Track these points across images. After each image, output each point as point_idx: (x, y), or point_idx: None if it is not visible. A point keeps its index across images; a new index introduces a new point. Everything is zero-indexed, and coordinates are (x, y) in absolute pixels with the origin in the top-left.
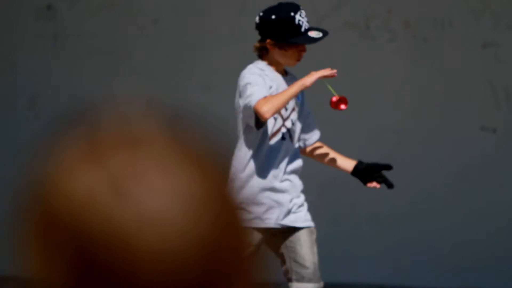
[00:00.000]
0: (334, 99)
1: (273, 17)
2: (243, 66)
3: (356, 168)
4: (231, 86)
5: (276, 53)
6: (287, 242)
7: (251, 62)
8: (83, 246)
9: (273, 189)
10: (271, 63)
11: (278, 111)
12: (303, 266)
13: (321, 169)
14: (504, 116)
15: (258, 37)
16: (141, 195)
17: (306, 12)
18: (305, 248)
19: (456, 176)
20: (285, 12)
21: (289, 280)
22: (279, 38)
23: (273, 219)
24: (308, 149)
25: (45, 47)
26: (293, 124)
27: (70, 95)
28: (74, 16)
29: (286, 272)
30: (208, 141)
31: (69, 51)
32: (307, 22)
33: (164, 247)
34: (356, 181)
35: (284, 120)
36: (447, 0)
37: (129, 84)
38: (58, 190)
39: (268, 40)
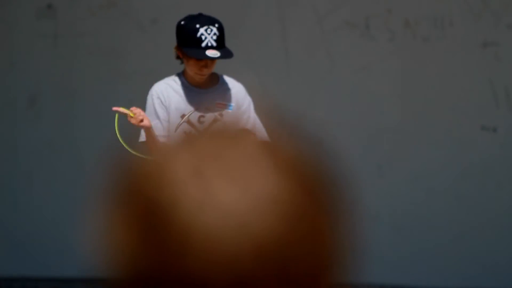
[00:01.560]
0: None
1: (182, 23)
2: (243, 66)
3: None
4: None
5: (185, 63)
6: None
7: (251, 61)
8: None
9: None
10: (187, 72)
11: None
12: None
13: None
14: (505, 115)
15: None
16: (224, 188)
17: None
18: None
19: (456, 175)
20: (192, 22)
21: None
22: (180, 44)
23: None
24: None
25: (45, 47)
26: None
27: (70, 94)
28: (74, 16)
29: None
30: (303, 148)
31: (69, 51)
32: (215, 41)
33: (242, 243)
34: (356, 182)
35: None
36: (447, 0)
37: (129, 83)
38: (147, 172)
39: (176, 45)
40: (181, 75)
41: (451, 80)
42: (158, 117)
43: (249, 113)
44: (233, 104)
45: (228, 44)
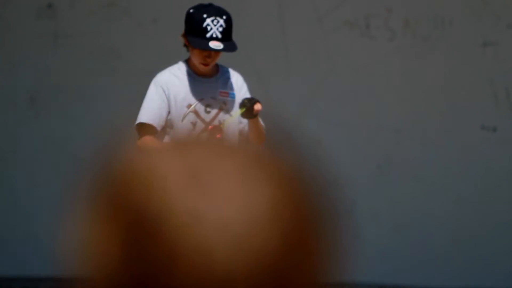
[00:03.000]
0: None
1: (190, 11)
2: (243, 65)
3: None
4: None
5: (190, 49)
6: None
7: (251, 60)
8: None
9: None
10: (192, 61)
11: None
12: None
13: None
14: (505, 115)
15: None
16: (217, 194)
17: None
18: None
19: (456, 175)
20: (200, 12)
21: None
22: (186, 31)
23: None
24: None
25: (45, 46)
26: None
27: (70, 94)
28: (74, 15)
29: None
30: (296, 158)
31: (69, 50)
32: (220, 33)
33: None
34: (357, 180)
35: (208, 123)
36: (447, 0)
37: (129, 83)
38: (135, 172)
39: (183, 32)
40: (186, 63)
41: (451, 80)
42: (156, 105)
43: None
44: (234, 92)
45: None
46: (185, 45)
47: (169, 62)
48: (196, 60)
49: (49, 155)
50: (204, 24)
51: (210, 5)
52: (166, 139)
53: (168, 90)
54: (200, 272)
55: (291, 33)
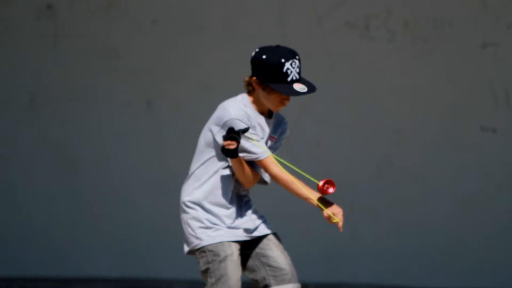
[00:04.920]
0: (320, 183)
1: (264, 57)
2: (242, 66)
3: None
4: (231, 86)
5: (260, 93)
6: (257, 249)
7: (249, 62)
8: None
9: (230, 206)
10: (255, 101)
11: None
12: (279, 268)
13: (321, 170)
14: (504, 116)
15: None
16: None
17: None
18: (276, 251)
19: (456, 176)
20: (276, 56)
21: (267, 286)
22: (264, 79)
23: (242, 232)
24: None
25: (45, 47)
26: None
27: (69, 94)
28: (74, 16)
29: (263, 280)
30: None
31: (69, 51)
32: (298, 73)
33: None
34: (356, 181)
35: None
36: (446, 0)
37: (128, 83)
38: None
39: (254, 78)
40: (247, 104)
41: (450, 81)
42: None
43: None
44: (279, 142)
45: (228, 45)
46: (250, 87)
47: (168, 62)
48: (272, 103)
49: (48, 156)
50: (285, 69)
51: (279, 46)
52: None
53: (249, 118)
54: None
55: (291, 33)
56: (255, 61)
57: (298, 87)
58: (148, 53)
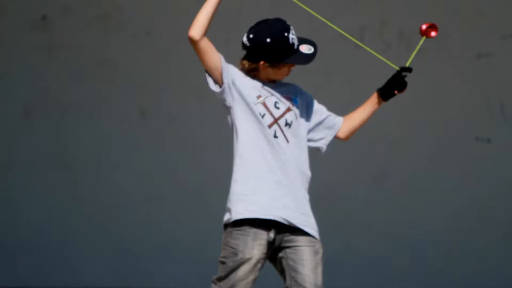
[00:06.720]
0: (423, 26)
1: (268, 40)
2: None
3: (382, 95)
4: None
5: (268, 72)
6: (290, 261)
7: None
8: None
9: (271, 182)
10: (260, 78)
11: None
12: (302, 287)
13: (316, 179)
14: (499, 126)
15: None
16: None
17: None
18: (306, 269)
19: (452, 185)
20: (278, 34)
21: None
22: (275, 59)
23: (277, 214)
24: (343, 134)
25: (39, 58)
26: (287, 124)
27: (64, 105)
28: (69, 27)
29: (287, 286)
30: None
31: (63, 62)
32: (295, 36)
33: None
34: (351, 191)
35: (276, 119)
36: (441, 11)
37: (123, 95)
38: None
39: (261, 62)
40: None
41: (445, 91)
42: (228, 66)
43: (316, 102)
44: (297, 98)
45: (222, 54)
46: (253, 70)
47: (164, 73)
48: (281, 75)
49: (45, 167)
50: (290, 41)
51: (268, 21)
52: (241, 121)
53: (239, 72)
54: None
55: None
56: (259, 47)
57: (304, 48)
58: (143, 64)
